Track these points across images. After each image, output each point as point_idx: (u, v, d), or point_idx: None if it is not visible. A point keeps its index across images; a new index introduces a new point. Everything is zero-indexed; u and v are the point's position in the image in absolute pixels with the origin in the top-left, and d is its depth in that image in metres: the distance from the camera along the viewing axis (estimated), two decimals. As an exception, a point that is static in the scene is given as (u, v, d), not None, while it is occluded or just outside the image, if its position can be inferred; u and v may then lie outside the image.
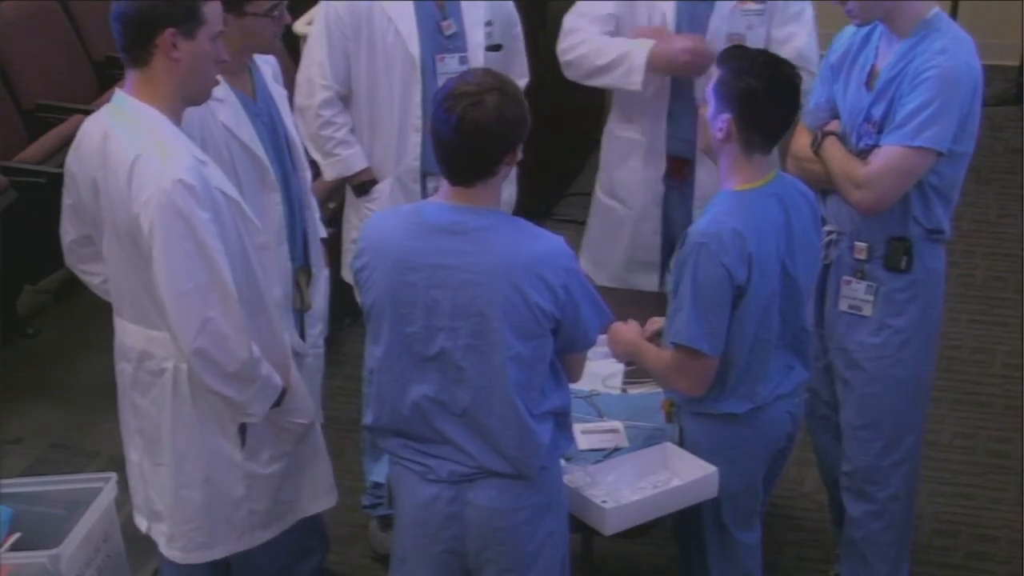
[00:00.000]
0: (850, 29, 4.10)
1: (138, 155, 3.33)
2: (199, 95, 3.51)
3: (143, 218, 3.32)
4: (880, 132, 3.90)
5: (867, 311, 4.05)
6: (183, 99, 3.47)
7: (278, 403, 3.59)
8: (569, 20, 4.70)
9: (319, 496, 3.89)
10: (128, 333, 3.61)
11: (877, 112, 3.91)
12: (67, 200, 3.63)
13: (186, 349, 3.39)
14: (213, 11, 3.43)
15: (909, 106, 3.83)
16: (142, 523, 3.79)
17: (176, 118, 3.46)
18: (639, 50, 4.52)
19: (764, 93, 3.60)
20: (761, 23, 4.54)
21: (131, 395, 3.66)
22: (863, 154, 3.95)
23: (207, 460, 3.60)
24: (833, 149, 3.97)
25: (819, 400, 4.30)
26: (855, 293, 4.06)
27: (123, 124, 3.42)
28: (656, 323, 3.92)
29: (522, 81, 4.73)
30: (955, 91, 3.84)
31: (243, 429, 3.61)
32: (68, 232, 3.69)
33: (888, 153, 3.87)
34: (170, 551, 3.72)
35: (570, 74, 4.72)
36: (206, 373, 3.42)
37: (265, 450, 3.67)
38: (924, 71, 3.82)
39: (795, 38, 4.52)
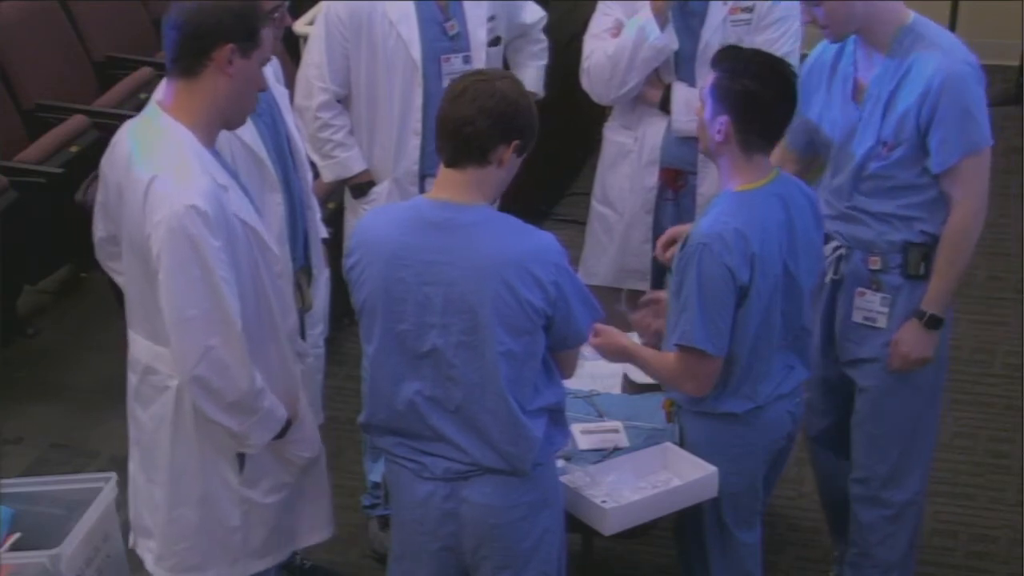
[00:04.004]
0: (821, 45, 4.08)
1: (155, 175, 3.30)
2: (238, 117, 3.47)
3: (153, 239, 3.29)
4: (892, 151, 3.89)
5: (881, 323, 4.03)
6: (222, 118, 3.42)
7: (281, 435, 3.53)
8: (585, 43, 4.71)
9: (317, 528, 3.81)
10: (136, 345, 3.58)
11: (888, 132, 3.89)
12: (99, 198, 3.61)
13: (185, 375, 3.35)
14: (267, 36, 3.41)
15: (953, 120, 3.82)
16: (130, 536, 3.73)
17: (209, 139, 3.40)
18: (639, 13, 4.53)
19: (762, 94, 3.60)
20: (749, 32, 4.55)
21: (134, 407, 3.62)
22: (871, 179, 3.94)
23: (204, 480, 3.54)
24: (956, 252, 3.95)
25: (815, 414, 4.28)
26: (870, 305, 4.05)
27: (149, 139, 3.38)
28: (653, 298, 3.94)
29: (540, 24, 4.87)
30: (973, 88, 3.85)
31: (243, 456, 3.55)
32: (98, 229, 3.67)
33: (964, 170, 3.87)
34: (157, 570, 3.65)
35: (596, 88, 4.68)
36: (204, 401, 3.37)
37: (265, 479, 3.60)
38: (939, 85, 3.80)
39: (774, 44, 4.49)
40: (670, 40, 4.54)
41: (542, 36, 4.93)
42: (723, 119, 3.62)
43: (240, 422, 3.41)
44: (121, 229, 3.50)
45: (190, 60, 3.35)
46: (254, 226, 3.44)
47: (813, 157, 4.19)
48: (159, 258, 3.29)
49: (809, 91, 4.06)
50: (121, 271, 3.65)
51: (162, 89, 3.49)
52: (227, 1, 3.34)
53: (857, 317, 4.08)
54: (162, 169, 3.31)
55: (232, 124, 3.49)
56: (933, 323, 3.97)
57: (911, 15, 3.92)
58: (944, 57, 3.83)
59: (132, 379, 3.61)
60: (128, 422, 3.69)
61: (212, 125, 3.41)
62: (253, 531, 3.61)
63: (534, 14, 4.88)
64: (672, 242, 4.00)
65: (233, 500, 3.56)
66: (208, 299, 3.29)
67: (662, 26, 4.51)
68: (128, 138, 3.46)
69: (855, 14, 3.86)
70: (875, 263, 4.02)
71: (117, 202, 3.48)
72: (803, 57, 4.56)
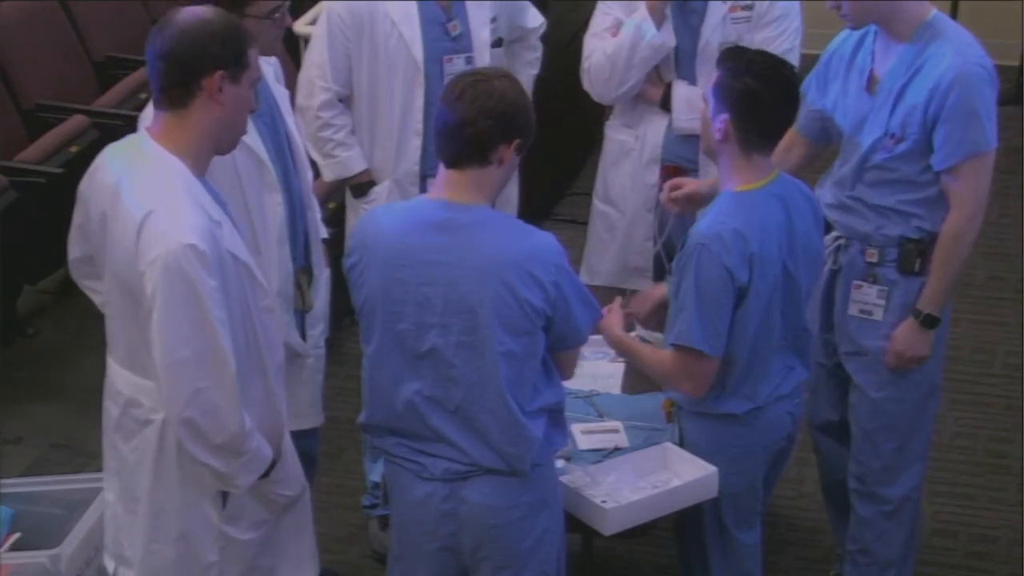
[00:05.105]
0: (843, 34, 4.09)
1: (150, 211, 3.19)
2: (230, 143, 3.38)
3: (148, 278, 3.18)
4: (898, 144, 3.90)
5: (877, 315, 4.05)
6: (215, 145, 3.33)
7: (266, 474, 3.40)
8: (585, 43, 4.72)
9: (300, 566, 3.67)
10: (118, 376, 3.46)
11: (895, 124, 3.90)
12: (76, 220, 3.49)
13: (174, 417, 3.23)
14: (254, 56, 3.32)
15: (958, 120, 3.83)
16: (110, 564, 3.61)
17: (200, 169, 3.31)
18: (637, 12, 4.54)
19: (762, 94, 3.60)
20: (748, 30, 4.56)
21: (113, 438, 3.51)
22: (874, 170, 3.95)
23: (184, 517, 3.42)
24: (950, 254, 3.95)
25: (822, 404, 4.30)
26: (866, 297, 4.06)
27: (140, 171, 3.28)
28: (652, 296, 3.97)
29: (539, 31, 4.89)
30: (983, 90, 3.86)
31: (225, 492, 3.42)
32: (73, 250, 3.56)
33: (965, 171, 3.88)
34: None
35: (596, 87, 4.69)
36: (192, 443, 3.24)
37: (246, 516, 3.47)
38: (949, 83, 3.82)
39: (773, 43, 4.50)
40: (667, 38, 4.55)
41: (538, 44, 4.93)
42: (723, 117, 3.63)
43: (227, 463, 3.30)
44: (103, 256, 3.40)
45: (179, 90, 3.25)
46: (245, 261, 3.34)
47: (824, 146, 4.20)
48: (154, 297, 3.17)
49: (827, 79, 4.09)
50: (99, 290, 3.56)
51: (149, 116, 3.40)
52: (213, 26, 3.25)
53: (853, 310, 4.09)
54: (156, 205, 3.20)
55: (224, 150, 3.40)
56: (929, 322, 3.98)
57: (932, 11, 3.94)
58: (957, 56, 3.84)
59: (112, 409, 3.49)
60: (105, 451, 3.58)
61: (203, 153, 3.32)
62: (229, 567, 3.49)
63: (535, 19, 4.89)
64: (678, 187, 4.04)
65: (211, 536, 3.44)
66: (202, 340, 3.19)
67: (658, 25, 4.52)
68: (114, 166, 3.36)
69: (878, 6, 3.88)
70: (872, 256, 4.04)
71: (99, 227, 3.37)
72: (804, 57, 4.59)
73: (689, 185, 4.07)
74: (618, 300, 3.96)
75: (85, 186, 3.45)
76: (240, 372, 3.26)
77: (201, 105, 3.26)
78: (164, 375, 3.22)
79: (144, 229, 3.19)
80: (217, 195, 3.40)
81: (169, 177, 3.25)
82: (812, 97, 4.13)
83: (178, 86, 3.25)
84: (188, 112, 3.26)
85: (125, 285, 3.29)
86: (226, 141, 3.37)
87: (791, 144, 4.14)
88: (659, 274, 4.71)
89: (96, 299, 3.63)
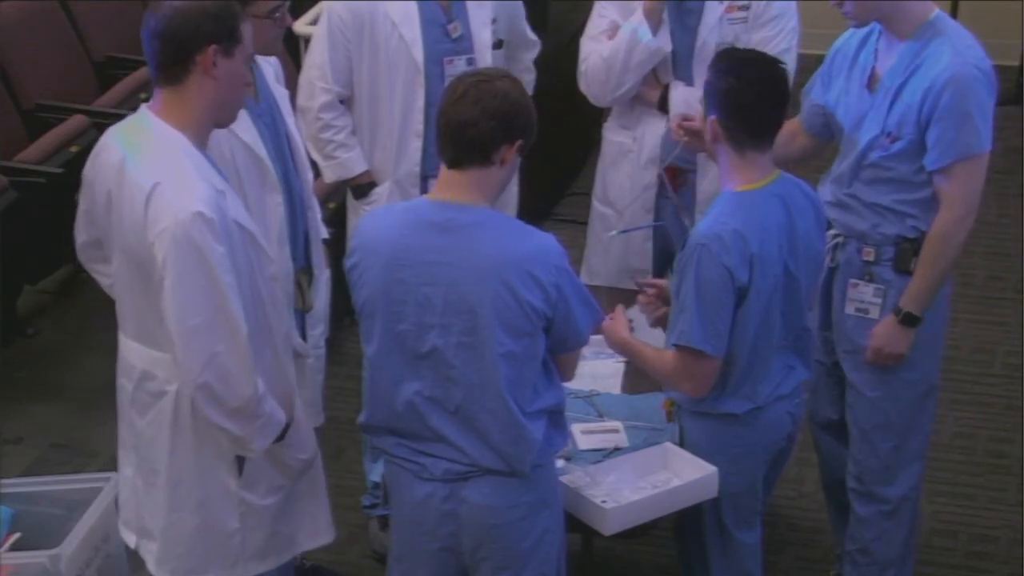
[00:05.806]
0: (848, 32, 4.10)
1: (157, 183, 3.27)
2: (228, 116, 3.46)
3: (157, 248, 3.26)
4: (893, 143, 3.90)
5: (874, 314, 4.05)
6: (213, 120, 3.41)
7: (280, 438, 3.50)
8: (582, 45, 4.71)
9: (318, 532, 3.79)
10: (131, 351, 3.54)
11: (892, 123, 3.91)
12: (82, 205, 3.58)
13: (191, 383, 3.33)
14: (247, 32, 3.40)
15: (952, 121, 3.83)
16: (130, 538, 3.70)
17: (201, 142, 3.40)
18: (634, 16, 4.54)
19: (745, 94, 3.62)
20: (745, 31, 4.57)
21: (129, 413, 3.59)
22: (871, 168, 3.95)
23: (202, 485, 3.52)
24: (936, 255, 3.95)
25: (822, 402, 4.30)
26: (863, 296, 4.06)
27: (144, 146, 3.36)
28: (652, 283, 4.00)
29: (534, 50, 4.87)
30: (978, 92, 3.86)
31: (241, 459, 3.53)
32: (80, 234, 3.64)
33: (957, 172, 3.88)
34: (159, 572, 3.63)
35: (592, 90, 4.69)
36: (209, 408, 3.34)
37: (263, 481, 3.57)
38: (943, 83, 3.82)
39: (770, 43, 4.49)
40: (663, 43, 4.55)
41: (533, 67, 4.91)
42: (712, 118, 3.65)
43: (242, 427, 3.39)
44: (111, 235, 3.47)
45: (174, 67, 3.33)
46: (250, 229, 3.42)
47: (827, 140, 4.22)
48: (164, 266, 3.25)
49: (831, 76, 4.10)
50: (107, 273, 3.63)
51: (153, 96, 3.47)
52: (204, 3, 3.32)
53: (850, 308, 4.10)
54: (163, 176, 3.28)
55: (223, 123, 3.48)
56: (908, 320, 3.98)
57: (935, 10, 3.95)
58: (955, 56, 3.84)
59: (126, 385, 3.57)
60: (121, 427, 3.65)
61: (203, 127, 3.40)
62: (251, 534, 3.59)
63: (533, 35, 4.88)
64: (689, 119, 4.07)
65: (231, 503, 3.54)
66: (213, 306, 3.27)
67: (655, 28, 4.52)
68: (118, 144, 3.42)
69: (879, 5, 3.89)
70: (868, 254, 4.04)
71: (105, 208, 3.44)
72: (801, 56, 4.59)
73: (699, 122, 4.05)
74: (620, 307, 3.95)
75: (89, 169, 3.53)
76: (250, 338, 3.34)
77: (196, 80, 3.34)
78: (179, 342, 3.30)
79: (152, 200, 3.27)
80: (220, 169, 3.47)
81: (173, 149, 3.34)
82: (816, 92, 4.15)
83: (173, 63, 3.34)
84: (184, 88, 3.35)
85: (135, 258, 3.37)
86: (224, 115, 3.45)
87: (795, 133, 4.16)
88: (659, 274, 4.72)
89: (103, 282, 3.70)
